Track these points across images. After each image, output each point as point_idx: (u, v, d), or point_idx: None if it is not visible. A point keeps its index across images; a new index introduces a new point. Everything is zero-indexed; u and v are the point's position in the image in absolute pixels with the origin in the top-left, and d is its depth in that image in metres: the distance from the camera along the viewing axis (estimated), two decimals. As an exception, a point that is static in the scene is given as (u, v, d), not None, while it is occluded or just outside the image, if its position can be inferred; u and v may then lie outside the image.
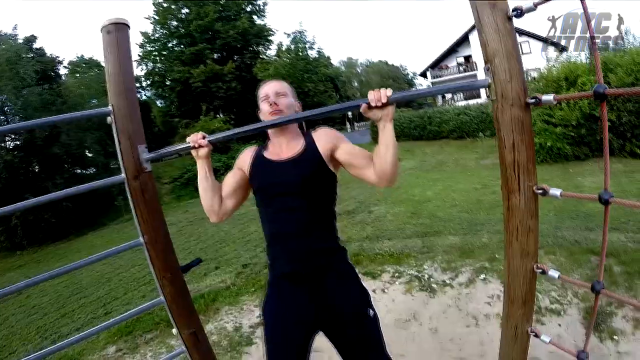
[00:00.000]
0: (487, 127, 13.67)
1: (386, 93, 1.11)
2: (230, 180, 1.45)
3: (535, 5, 0.86)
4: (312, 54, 22.20)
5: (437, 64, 28.58)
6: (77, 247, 11.26)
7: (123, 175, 1.51)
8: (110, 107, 1.45)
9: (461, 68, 26.97)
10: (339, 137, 1.40)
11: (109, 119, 1.48)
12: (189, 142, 1.37)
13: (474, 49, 25.65)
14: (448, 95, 23.20)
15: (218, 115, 21.12)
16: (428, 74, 28.71)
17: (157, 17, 22.64)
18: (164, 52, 23.37)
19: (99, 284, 5.86)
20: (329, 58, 23.87)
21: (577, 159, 8.45)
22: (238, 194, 1.44)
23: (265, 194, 1.37)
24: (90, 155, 17.31)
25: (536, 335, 1.11)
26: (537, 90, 8.67)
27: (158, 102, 25.63)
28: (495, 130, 1.02)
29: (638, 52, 7.67)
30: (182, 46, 22.69)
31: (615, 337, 2.11)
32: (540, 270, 1.04)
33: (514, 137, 0.98)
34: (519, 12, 0.89)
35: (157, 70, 23.85)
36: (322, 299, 1.29)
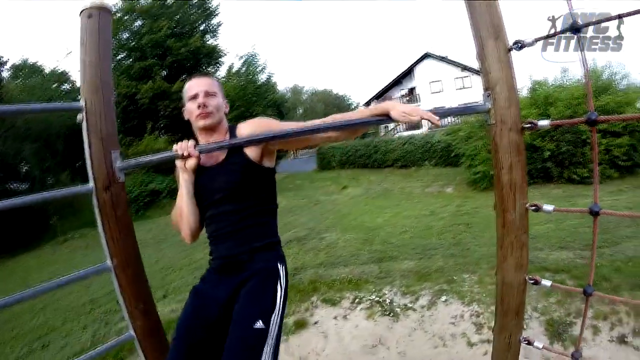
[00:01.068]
0: (431, 157, 14.64)
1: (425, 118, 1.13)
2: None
3: (535, 41, 0.96)
4: (263, 77, 22.29)
5: (381, 95, 30.35)
6: (12, 267, 10.08)
7: (92, 184, 1.35)
8: (82, 103, 1.29)
9: (404, 100, 28.89)
10: (270, 127, 1.31)
11: (79, 116, 1.31)
12: (175, 151, 1.27)
13: (418, 81, 27.87)
14: (391, 125, 24.58)
15: (161, 135, 20.08)
16: (373, 104, 30.24)
17: (109, 28, 21.47)
18: (112, 65, 22.04)
19: (32, 312, 5.16)
20: (275, 84, 24.15)
21: (518, 186, 9.18)
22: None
23: (200, 200, 1.33)
24: (25, 168, 15.37)
25: (528, 343, 1.17)
26: (478, 121, 9.51)
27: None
28: (493, 152, 1.09)
29: (577, 88, 8.66)
30: (130, 60, 21.58)
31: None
32: (533, 281, 1.11)
33: (511, 159, 1.06)
34: (519, 46, 0.99)
35: (102, 82, 22.32)
36: (233, 290, 1.24)
